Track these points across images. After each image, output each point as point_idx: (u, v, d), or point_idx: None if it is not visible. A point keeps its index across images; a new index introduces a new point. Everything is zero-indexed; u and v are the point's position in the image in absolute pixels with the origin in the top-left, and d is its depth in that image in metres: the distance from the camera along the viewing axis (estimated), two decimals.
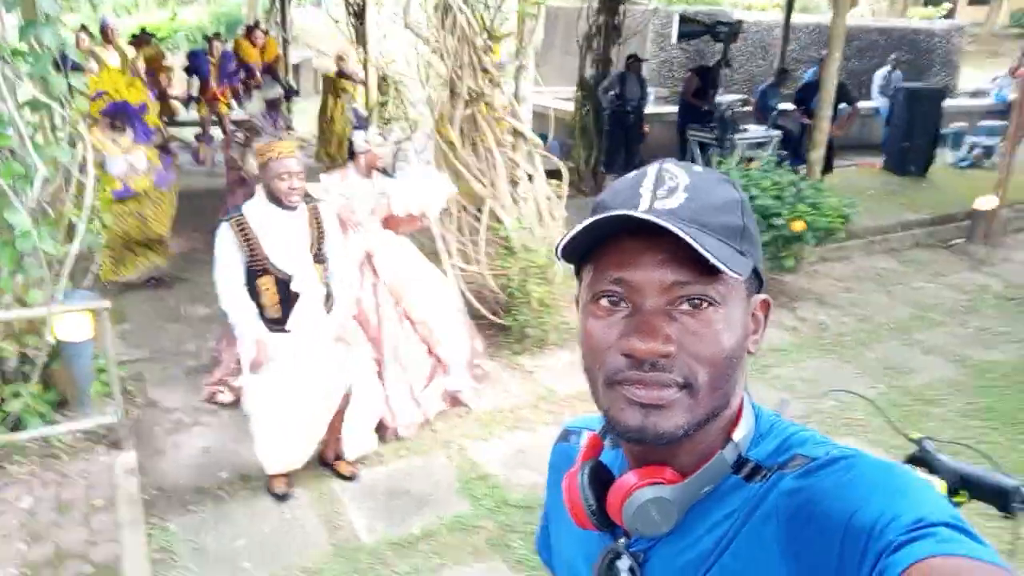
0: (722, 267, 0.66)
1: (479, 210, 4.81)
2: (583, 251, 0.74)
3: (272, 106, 5.95)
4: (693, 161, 7.92)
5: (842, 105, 8.32)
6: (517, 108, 4.70)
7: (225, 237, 3.07)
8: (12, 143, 3.47)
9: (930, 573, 0.55)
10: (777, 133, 8.24)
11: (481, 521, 3.32)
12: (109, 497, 3.35)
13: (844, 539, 0.62)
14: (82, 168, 3.74)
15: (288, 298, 3.16)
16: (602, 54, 8.52)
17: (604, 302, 0.72)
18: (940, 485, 1.16)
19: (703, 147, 7.97)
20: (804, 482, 0.69)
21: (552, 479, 0.99)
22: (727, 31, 6.72)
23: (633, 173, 0.76)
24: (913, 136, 9.92)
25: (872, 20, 17.39)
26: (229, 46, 9.07)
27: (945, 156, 10.84)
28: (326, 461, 3.60)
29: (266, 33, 9.26)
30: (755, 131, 8.28)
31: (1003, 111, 12.01)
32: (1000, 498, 1.17)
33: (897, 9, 22.02)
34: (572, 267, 0.79)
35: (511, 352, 4.81)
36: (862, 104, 11.95)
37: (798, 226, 5.29)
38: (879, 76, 11.85)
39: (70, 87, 3.67)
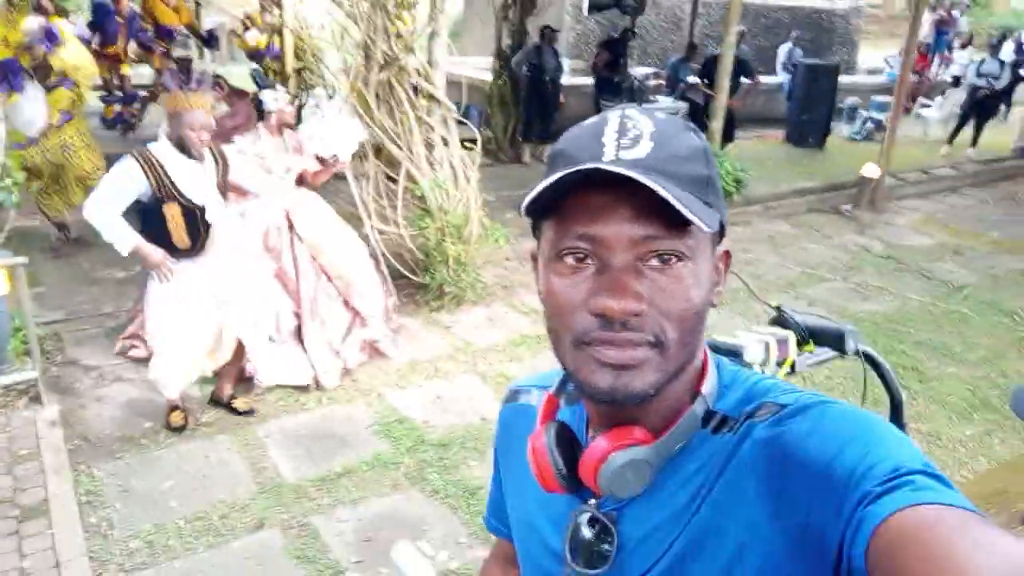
0: (697, 222, 0.64)
1: (396, 173, 4.98)
2: (544, 206, 0.70)
3: (182, 65, 5.95)
4: None
5: (745, 80, 8.83)
6: (431, 73, 4.88)
7: (125, 166, 3.20)
8: None
9: (906, 520, 0.56)
10: (684, 105, 8.66)
11: (399, 458, 3.56)
12: (33, 448, 3.43)
13: (822, 487, 0.63)
14: None
15: (196, 229, 3.35)
16: (518, 25, 8.73)
17: (569, 259, 0.69)
18: (793, 338, 1.42)
19: None
20: (778, 429, 0.69)
21: (503, 442, 0.98)
22: (633, 4, 7.04)
23: (592, 120, 0.73)
24: (811, 109, 10.58)
25: None
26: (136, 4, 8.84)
27: (841, 129, 11.59)
28: (220, 399, 3.81)
29: None
30: (664, 102, 8.68)
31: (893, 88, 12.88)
32: (838, 342, 1.46)
33: None
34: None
35: (429, 309, 5.04)
36: (767, 79, 12.59)
37: None
38: (782, 52, 12.49)
39: None
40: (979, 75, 10.25)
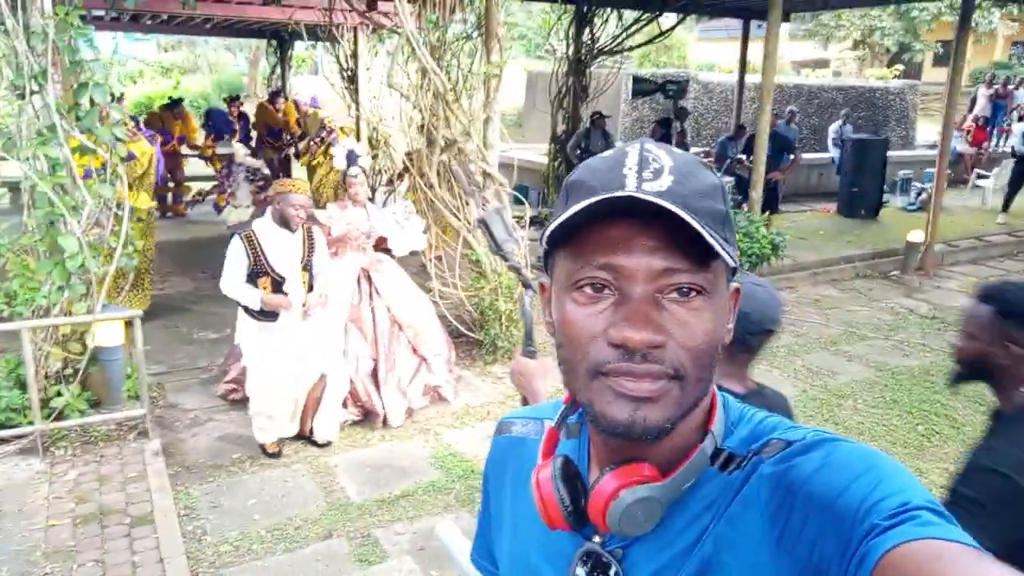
0: (724, 254, 0.65)
1: (455, 241, 5.58)
2: (561, 236, 0.70)
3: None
4: None
5: (788, 155, 9.26)
6: (485, 153, 5.52)
7: (235, 245, 3.97)
8: (65, 181, 4.25)
9: (910, 554, 0.56)
10: (731, 178, 9.13)
11: (451, 485, 3.98)
12: (141, 472, 4.00)
13: (828, 522, 0.62)
14: (119, 204, 4.51)
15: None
16: (572, 112, 9.48)
17: (588, 289, 0.69)
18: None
19: None
20: (784, 466, 0.68)
21: (495, 475, 0.96)
22: (675, 88, 7.66)
23: (609, 152, 0.73)
24: (861, 183, 10.84)
25: (832, 80, 18.66)
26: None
27: (896, 201, 11.77)
28: (303, 435, 4.37)
29: (286, 99, 10.41)
30: None
31: (951, 161, 13.02)
32: (495, 245, 1.67)
33: (861, 69, 23.40)
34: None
35: (484, 363, 5.52)
36: (816, 156, 12.97)
37: None
38: (832, 129, 12.87)
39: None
40: None
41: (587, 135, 9.09)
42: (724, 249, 0.65)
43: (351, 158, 5.15)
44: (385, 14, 6.95)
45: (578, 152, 9.07)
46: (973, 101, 15.78)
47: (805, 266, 8.21)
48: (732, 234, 0.73)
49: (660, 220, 0.64)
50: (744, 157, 9.10)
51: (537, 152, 11.36)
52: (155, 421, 4.50)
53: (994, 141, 14.77)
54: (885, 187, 11.17)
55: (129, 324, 4.37)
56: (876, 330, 6.56)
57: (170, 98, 10.93)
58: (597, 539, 0.78)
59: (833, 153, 12.45)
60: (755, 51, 11.00)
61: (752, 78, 12.22)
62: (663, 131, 9.48)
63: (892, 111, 16.38)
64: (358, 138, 8.41)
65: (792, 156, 9.28)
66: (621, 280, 0.68)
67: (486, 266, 5.46)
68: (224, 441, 4.41)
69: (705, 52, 23.33)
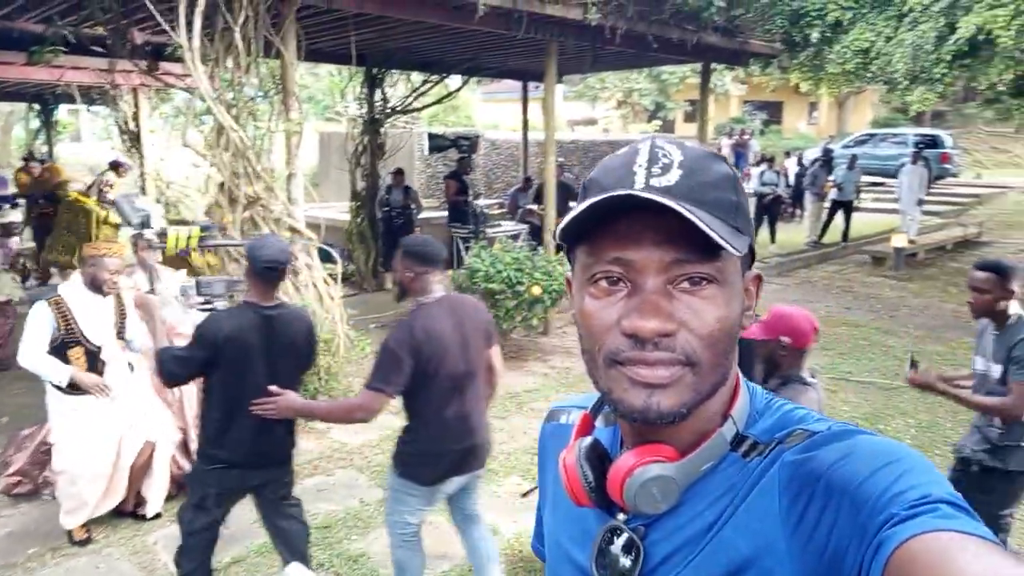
0: (725, 245, 0.66)
1: None
2: (578, 232, 0.73)
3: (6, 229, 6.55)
4: (458, 255, 9.19)
5: (573, 203, 10.12)
6: (291, 209, 5.53)
7: (40, 312, 3.61)
8: None
9: (926, 545, 0.56)
10: (525, 226, 9.79)
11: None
12: None
13: (846, 510, 0.63)
14: None
15: (95, 367, 3.69)
16: (370, 170, 9.68)
17: (603, 282, 0.72)
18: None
19: (465, 241, 9.26)
20: (806, 455, 0.69)
21: (541, 461, 1.00)
22: (468, 144, 8.16)
23: (623, 150, 0.76)
24: None
25: (603, 136, 20.63)
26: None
27: None
28: (126, 511, 4.07)
29: (42, 163, 9.62)
30: (507, 226, 9.78)
31: None
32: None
33: (626, 126, 26.05)
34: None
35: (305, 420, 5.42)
36: None
37: (536, 290, 6.54)
38: None
39: None
40: (763, 184, 12.25)
41: (389, 191, 9.34)
42: (724, 239, 0.66)
43: (145, 220, 4.95)
44: (168, 73, 6.76)
45: (386, 208, 9.30)
46: (719, 151, 18.24)
47: None
48: (747, 222, 0.75)
49: (668, 213, 0.66)
50: (535, 206, 9.81)
51: (336, 210, 11.40)
52: None
53: None
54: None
55: None
56: None
57: None
58: (621, 517, 0.80)
59: None
60: (533, 111, 11.98)
61: (533, 135, 13.24)
62: (458, 184, 9.97)
63: None
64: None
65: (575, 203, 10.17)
66: (633, 273, 0.71)
67: None
68: (14, 539, 3.94)
69: (489, 112, 24.75)
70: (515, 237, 9.66)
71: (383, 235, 9.53)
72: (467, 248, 8.91)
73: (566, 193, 9.36)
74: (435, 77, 9.88)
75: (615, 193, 0.68)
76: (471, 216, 8.49)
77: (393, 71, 9.57)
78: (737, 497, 0.73)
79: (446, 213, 10.35)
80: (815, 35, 9.61)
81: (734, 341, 0.74)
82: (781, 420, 0.77)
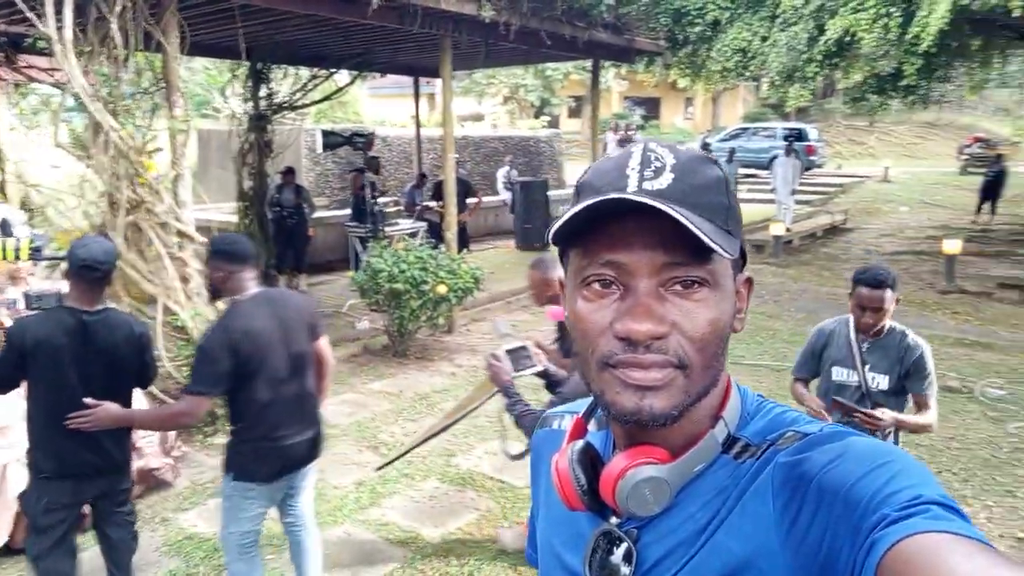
0: (716, 248, 0.67)
1: (154, 309, 5.13)
2: (570, 235, 0.73)
3: None
4: (356, 256, 8.95)
5: (471, 199, 10.10)
6: (179, 212, 5.19)
7: None
8: None
9: (918, 546, 0.56)
10: (423, 224, 9.66)
11: (195, 570, 3.65)
12: None
13: (839, 511, 0.63)
14: None
15: None
16: (258, 168, 9.26)
17: (596, 285, 0.73)
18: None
19: (362, 240, 9.04)
20: (799, 456, 0.69)
21: (534, 467, 1.00)
22: (363, 140, 7.95)
23: (616, 154, 0.76)
24: (532, 219, 12.20)
25: (492, 132, 20.69)
26: None
27: None
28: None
29: None
30: (405, 224, 9.61)
31: None
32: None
33: (513, 121, 26.29)
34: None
35: (203, 435, 5.12)
36: (492, 198, 14.24)
37: (442, 289, 6.47)
38: (500, 174, 14.29)
39: None
40: None
41: (280, 190, 8.97)
42: (716, 242, 0.67)
43: (5, 228, 4.50)
44: (31, 67, 6.19)
45: (277, 208, 8.91)
46: (604, 146, 18.70)
47: (499, 297, 9.01)
48: (737, 224, 0.75)
49: (660, 217, 0.67)
50: (433, 203, 9.71)
51: (220, 212, 10.84)
52: None
53: None
54: (550, 221, 12.70)
55: None
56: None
57: None
58: (614, 520, 0.80)
59: (505, 195, 13.82)
60: (421, 107, 11.82)
61: (425, 131, 13.10)
62: (362, 180, 9.71)
63: (544, 156, 18.66)
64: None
65: (476, 199, 10.14)
66: (625, 276, 0.71)
67: (193, 331, 5.10)
68: None
69: (376, 108, 24.30)
70: (413, 235, 9.53)
71: (275, 236, 9.14)
72: (365, 248, 8.71)
73: (463, 189, 9.32)
74: (324, 72, 9.57)
75: (607, 196, 0.68)
76: (369, 215, 8.29)
77: (280, 66, 9.19)
78: (730, 499, 0.73)
79: (340, 212, 10.07)
80: (696, 33, 10.02)
81: (725, 343, 0.75)
82: (773, 422, 0.78)
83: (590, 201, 0.69)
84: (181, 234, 5.23)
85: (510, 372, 3.02)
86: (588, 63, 10.53)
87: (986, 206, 14.62)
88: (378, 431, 5.36)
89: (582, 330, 0.74)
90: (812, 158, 19.02)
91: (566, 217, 0.71)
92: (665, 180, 0.71)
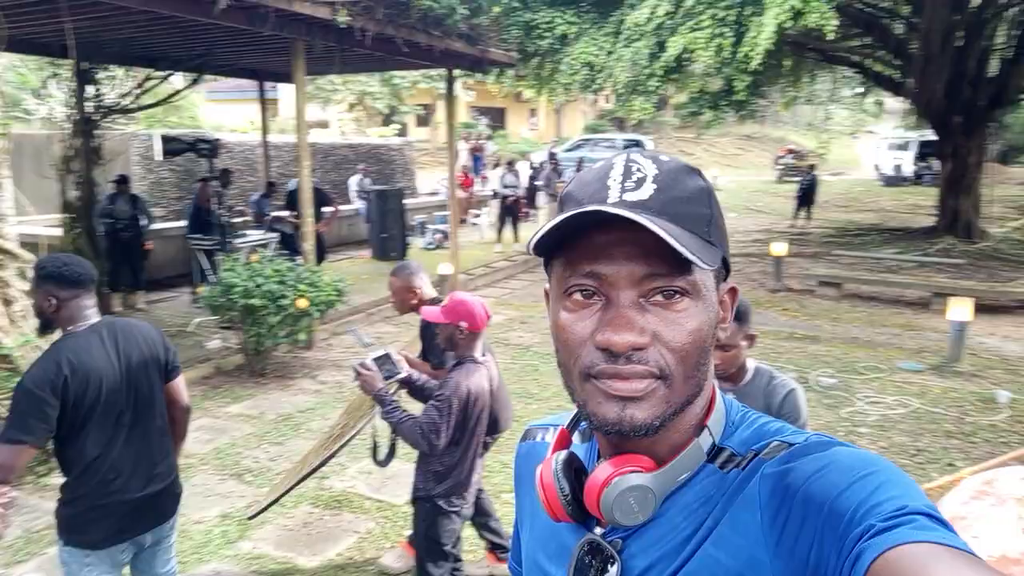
0: (695, 260, 0.66)
1: None
2: (553, 246, 0.74)
3: None
4: (202, 270, 8.38)
5: (327, 208, 9.78)
6: (1, 227, 4.62)
7: None
8: None
9: (904, 557, 0.57)
10: (275, 235, 9.22)
11: None
12: None
13: (825, 522, 0.63)
14: None
15: None
16: (85, 177, 8.43)
17: (577, 295, 0.73)
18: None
19: (208, 254, 8.47)
20: (785, 467, 0.69)
21: (517, 479, 0.99)
22: (208, 147, 7.47)
23: (599, 164, 0.76)
24: (388, 228, 12.01)
25: (342, 139, 20.18)
26: None
27: (417, 242, 13.32)
28: None
29: None
30: (254, 235, 9.13)
31: None
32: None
33: (361, 129, 25.79)
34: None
35: (36, 475, 4.57)
36: (345, 207, 13.89)
37: (303, 303, 6.20)
38: (353, 183, 13.97)
39: None
40: (504, 186, 12.88)
41: (112, 201, 8.21)
42: (695, 254, 0.66)
43: None
44: None
45: (110, 220, 8.14)
46: (457, 154, 18.80)
47: (360, 308, 8.77)
48: (721, 235, 0.75)
49: (640, 228, 0.67)
50: (286, 213, 9.30)
51: (41, 224, 9.75)
52: None
53: (478, 186, 17.81)
54: (407, 231, 12.58)
55: None
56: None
57: None
58: (599, 531, 0.79)
59: (359, 204, 13.51)
60: (254, 111, 11.31)
61: (271, 138, 12.52)
62: (209, 190, 9.08)
63: (396, 165, 18.45)
64: None
65: (333, 209, 9.82)
66: (606, 286, 0.71)
67: (20, 361, 4.55)
68: None
69: (214, 113, 22.92)
70: (264, 246, 9.08)
71: (107, 251, 8.36)
72: (212, 261, 8.18)
73: (319, 198, 9.00)
74: (160, 74, 8.90)
75: (586, 208, 0.69)
76: (215, 227, 7.78)
77: (108, 66, 8.44)
78: (716, 509, 0.73)
79: (179, 224, 9.38)
80: (545, 46, 10.31)
81: (707, 354, 0.75)
82: (757, 432, 0.78)
83: (569, 213, 0.69)
84: (2, 251, 4.66)
85: (381, 380, 2.95)
86: (437, 72, 10.53)
87: (802, 211, 16.15)
88: (240, 457, 5.03)
89: (564, 340, 0.74)
90: None
91: (546, 229, 0.71)
92: (647, 191, 0.71)
